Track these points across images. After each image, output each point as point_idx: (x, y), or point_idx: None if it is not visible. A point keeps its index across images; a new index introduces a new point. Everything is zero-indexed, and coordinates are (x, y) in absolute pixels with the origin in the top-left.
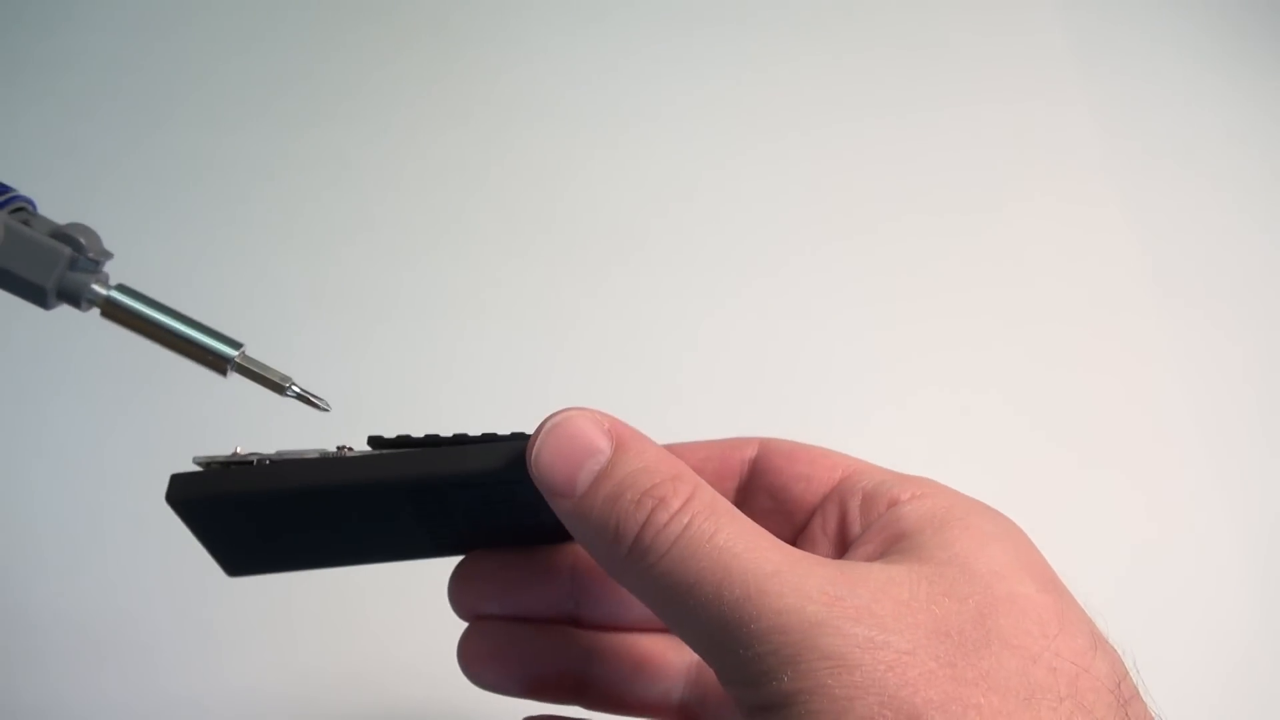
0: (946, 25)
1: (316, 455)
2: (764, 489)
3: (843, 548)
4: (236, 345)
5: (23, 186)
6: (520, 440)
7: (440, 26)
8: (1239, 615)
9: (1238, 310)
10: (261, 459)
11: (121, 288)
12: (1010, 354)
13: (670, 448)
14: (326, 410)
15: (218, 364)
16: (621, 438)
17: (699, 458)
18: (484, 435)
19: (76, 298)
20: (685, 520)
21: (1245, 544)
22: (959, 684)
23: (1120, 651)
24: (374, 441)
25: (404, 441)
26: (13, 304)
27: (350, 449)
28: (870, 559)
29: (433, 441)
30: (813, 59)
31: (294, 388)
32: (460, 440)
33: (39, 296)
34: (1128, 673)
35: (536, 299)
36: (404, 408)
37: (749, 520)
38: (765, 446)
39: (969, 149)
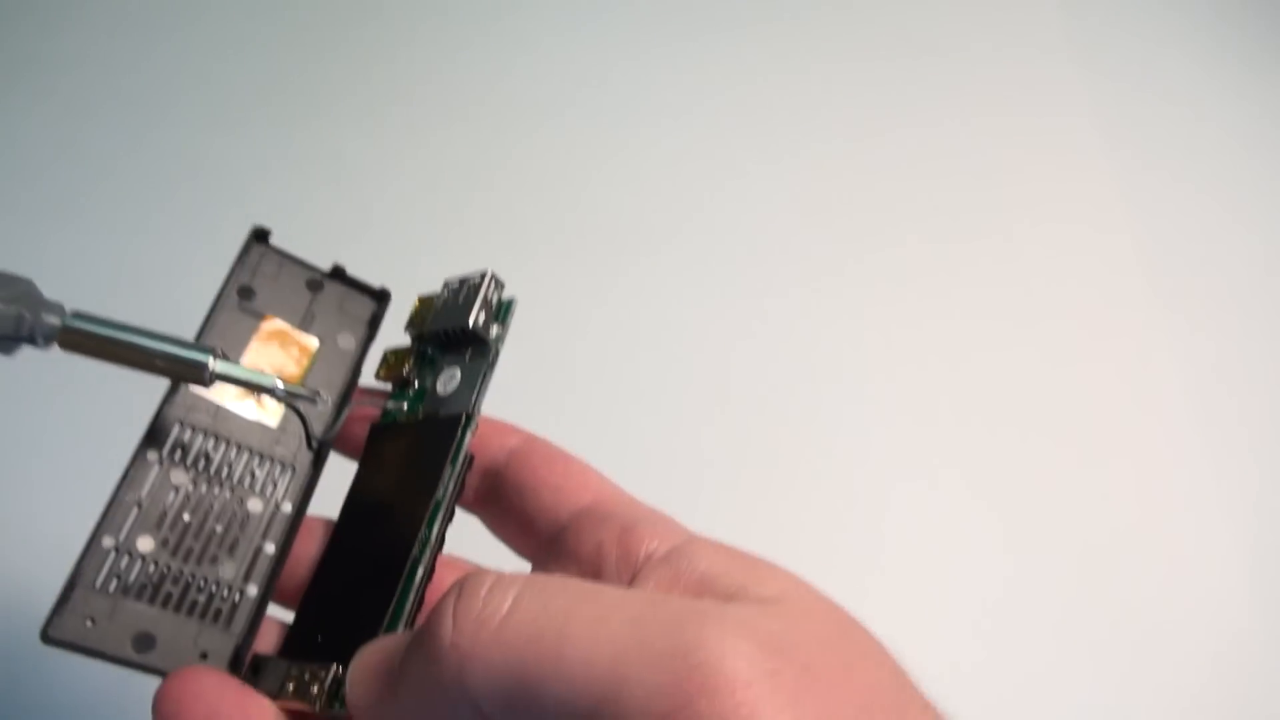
0: (948, 29)
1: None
2: (513, 485)
3: (596, 576)
4: (209, 351)
5: (23, 186)
6: None
7: (440, 25)
8: (1236, 611)
9: (1238, 311)
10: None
11: (78, 314)
12: (1011, 354)
13: None
14: (316, 402)
15: (197, 375)
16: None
17: None
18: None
19: (32, 336)
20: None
21: (1245, 543)
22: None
23: None
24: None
25: None
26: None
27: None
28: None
29: None
30: (814, 62)
31: (281, 387)
32: None
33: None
34: None
35: (536, 299)
36: None
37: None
38: (529, 443)
39: (970, 150)
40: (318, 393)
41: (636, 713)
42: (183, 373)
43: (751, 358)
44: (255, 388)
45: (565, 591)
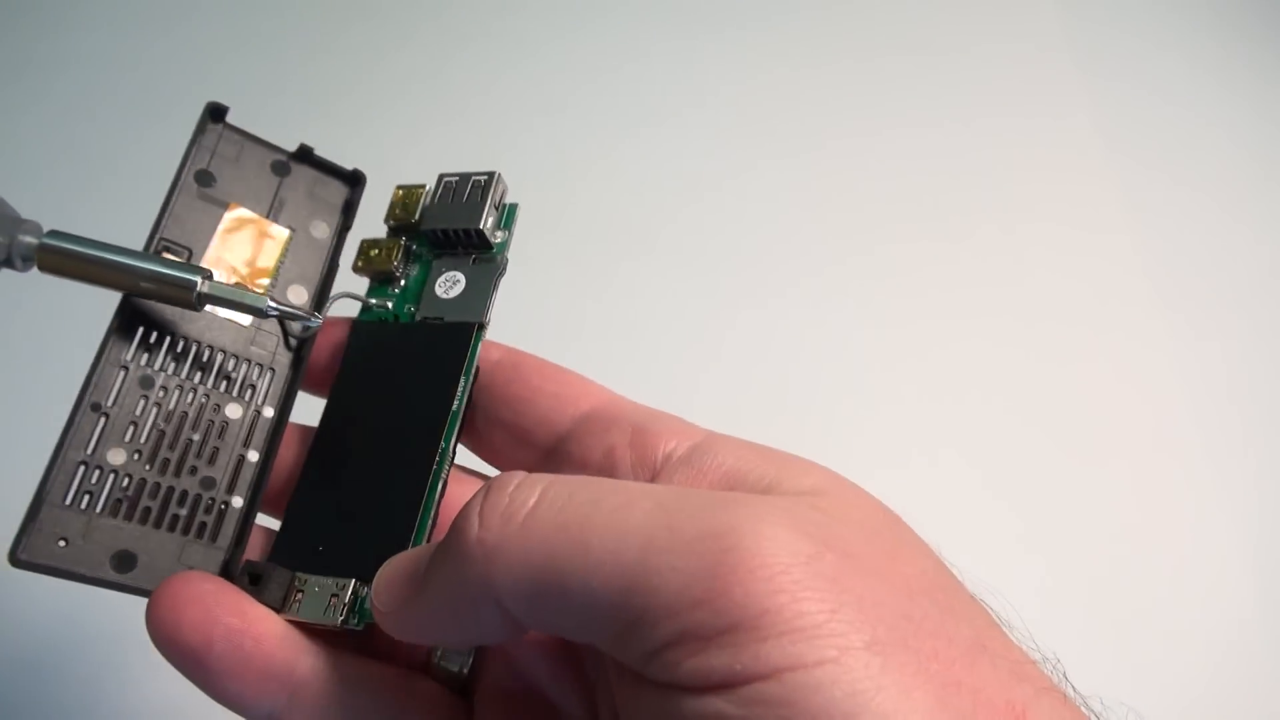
0: (948, 29)
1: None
2: (505, 399)
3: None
4: (200, 271)
5: (22, 186)
6: None
7: (440, 24)
8: (1237, 612)
9: (1239, 311)
10: None
11: (55, 233)
12: (1011, 354)
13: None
14: (318, 323)
15: (184, 296)
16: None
17: None
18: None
19: (9, 259)
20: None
21: (1247, 542)
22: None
23: None
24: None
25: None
26: (13, 303)
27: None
28: None
29: None
30: (813, 61)
31: (274, 305)
32: None
33: None
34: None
35: (537, 300)
36: None
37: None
38: (514, 355)
39: (969, 150)
40: (314, 314)
41: (668, 601)
42: (169, 294)
43: (751, 358)
44: (247, 309)
45: (592, 485)
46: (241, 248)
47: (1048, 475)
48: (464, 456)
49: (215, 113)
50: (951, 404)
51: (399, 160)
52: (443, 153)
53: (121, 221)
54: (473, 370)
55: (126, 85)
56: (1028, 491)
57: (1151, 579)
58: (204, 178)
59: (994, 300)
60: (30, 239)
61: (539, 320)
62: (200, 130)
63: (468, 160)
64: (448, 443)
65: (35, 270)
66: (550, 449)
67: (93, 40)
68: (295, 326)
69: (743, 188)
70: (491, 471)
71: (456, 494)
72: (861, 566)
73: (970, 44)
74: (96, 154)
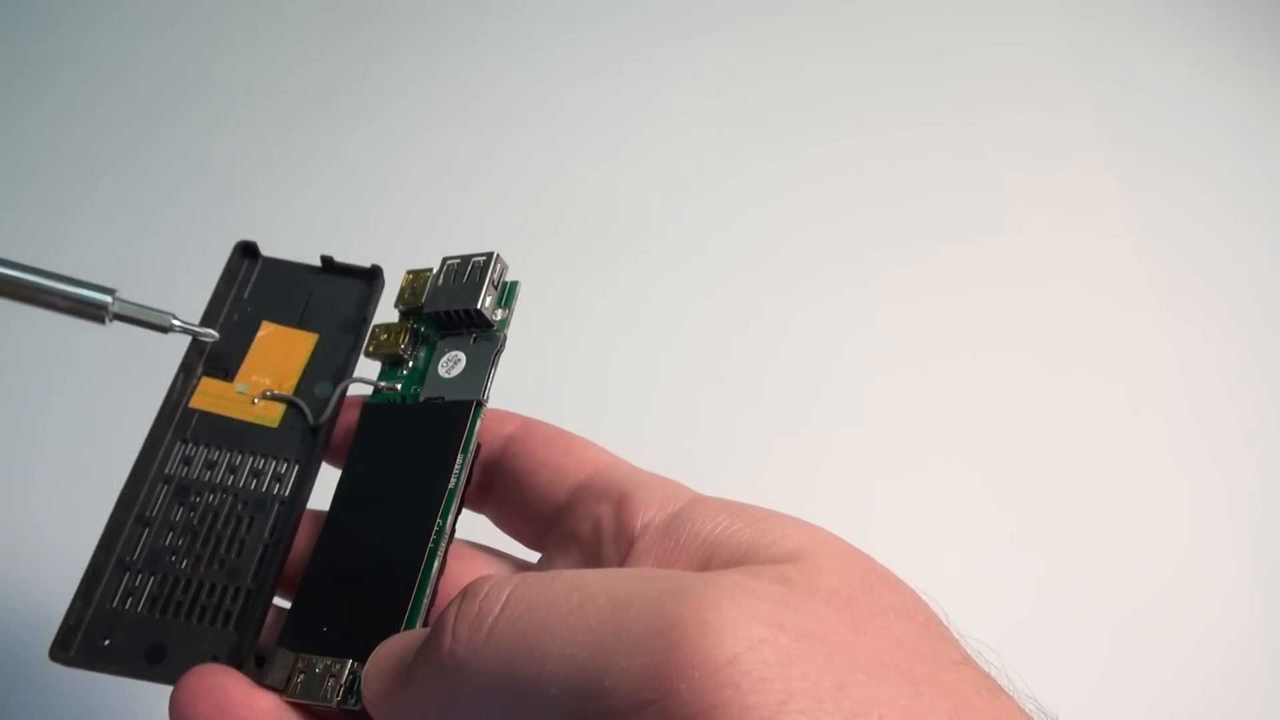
0: (948, 29)
1: None
2: (511, 473)
3: (595, 556)
4: (109, 291)
5: (22, 186)
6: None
7: (440, 23)
8: (1236, 613)
9: (1239, 310)
10: None
11: None
12: (1011, 355)
13: None
14: (215, 339)
15: (94, 313)
16: None
17: None
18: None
19: None
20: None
21: (1247, 543)
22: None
23: None
24: None
25: None
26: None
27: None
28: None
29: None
30: (813, 61)
31: (177, 323)
32: None
33: None
34: None
35: (537, 300)
36: None
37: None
38: (526, 427)
39: (969, 150)
40: (213, 333)
41: (618, 704)
42: (82, 311)
43: (750, 358)
44: (153, 326)
45: (552, 584)
46: (273, 357)
47: (1047, 475)
48: (488, 532)
49: (248, 250)
50: (951, 404)
51: (399, 160)
52: (442, 153)
53: (122, 221)
54: (471, 447)
55: (126, 85)
56: (1027, 491)
57: (1151, 579)
58: (240, 305)
59: (993, 300)
60: None
61: (539, 320)
62: (233, 270)
63: (468, 160)
64: (445, 520)
65: None
66: (552, 522)
67: (93, 40)
68: (314, 416)
69: (742, 188)
70: (515, 547)
71: (459, 571)
72: (825, 645)
73: (970, 45)
74: (96, 154)
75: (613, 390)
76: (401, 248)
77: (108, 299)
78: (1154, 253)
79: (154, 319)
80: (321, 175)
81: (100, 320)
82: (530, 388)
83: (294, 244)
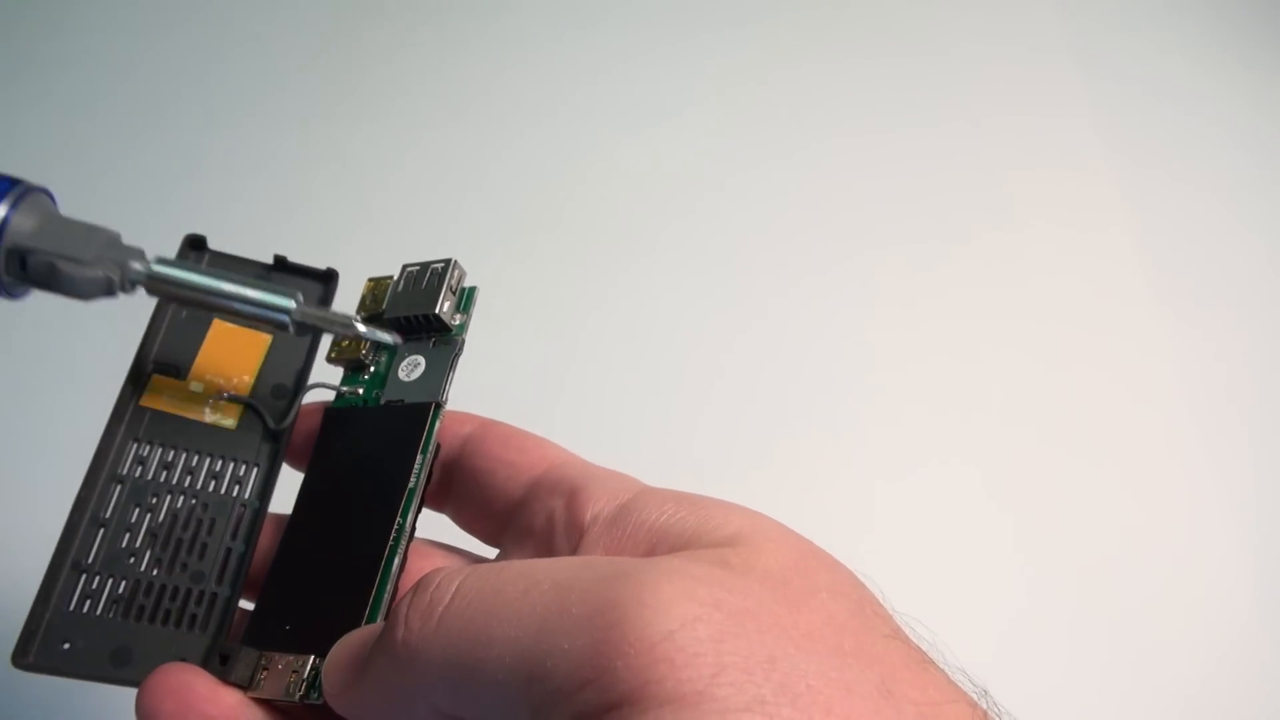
0: (948, 29)
1: None
2: (469, 471)
3: (548, 549)
4: (292, 297)
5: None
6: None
7: (440, 23)
8: (1239, 611)
9: (1239, 310)
10: None
11: (161, 260)
12: (1011, 355)
13: None
14: (399, 343)
15: (278, 320)
16: None
17: None
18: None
19: (120, 287)
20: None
21: (1247, 542)
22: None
23: None
24: None
25: None
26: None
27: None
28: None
29: None
30: (813, 61)
31: (361, 328)
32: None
33: (99, 288)
34: None
35: (537, 300)
36: None
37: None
38: (484, 427)
39: (969, 150)
40: (396, 337)
41: (561, 684)
42: (265, 318)
43: (750, 359)
44: (336, 330)
45: (500, 573)
46: (226, 357)
47: (1047, 474)
48: (449, 531)
49: (195, 243)
50: (950, 404)
51: (399, 160)
52: (442, 153)
53: (121, 221)
54: (430, 447)
55: (126, 85)
56: (1027, 490)
57: (1150, 578)
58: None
59: (993, 300)
60: (139, 267)
61: (539, 321)
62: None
63: (468, 160)
64: (405, 519)
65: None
66: (509, 518)
67: (93, 40)
68: (272, 420)
69: (742, 188)
70: (475, 545)
71: (418, 568)
72: (756, 621)
73: (970, 45)
74: (96, 154)
75: (613, 390)
76: (401, 247)
77: (291, 304)
78: (1153, 252)
79: (337, 321)
80: (321, 175)
81: (284, 327)
82: (531, 388)
83: (294, 244)
